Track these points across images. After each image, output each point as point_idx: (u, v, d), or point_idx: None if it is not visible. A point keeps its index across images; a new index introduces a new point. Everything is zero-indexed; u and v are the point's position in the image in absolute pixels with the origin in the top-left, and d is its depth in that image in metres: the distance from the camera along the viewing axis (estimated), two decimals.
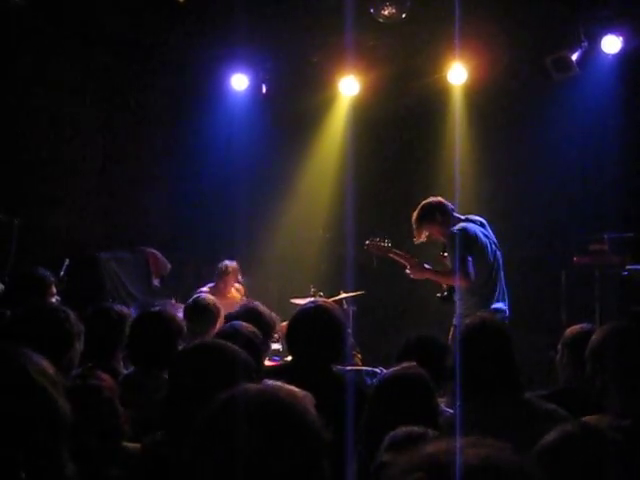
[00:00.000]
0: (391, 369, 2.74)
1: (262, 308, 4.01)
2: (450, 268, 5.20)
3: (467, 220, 5.32)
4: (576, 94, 6.71)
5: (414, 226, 5.35)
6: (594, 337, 2.69)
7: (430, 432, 2.18)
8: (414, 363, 2.69)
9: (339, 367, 3.30)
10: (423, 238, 5.37)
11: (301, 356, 3.18)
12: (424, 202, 5.40)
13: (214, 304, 4.42)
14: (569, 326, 3.51)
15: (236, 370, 2.29)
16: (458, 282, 5.12)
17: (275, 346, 6.33)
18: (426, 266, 5.35)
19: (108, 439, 2.41)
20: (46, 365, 1.87)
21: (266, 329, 3.80)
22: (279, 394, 1.37)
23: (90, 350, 3.27)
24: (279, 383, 1.71)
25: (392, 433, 2.21)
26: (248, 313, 3.84)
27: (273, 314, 4.10)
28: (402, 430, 2.20)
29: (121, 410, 2.55)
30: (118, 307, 3.68)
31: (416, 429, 2.18)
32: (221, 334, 3.15)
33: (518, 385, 2.62)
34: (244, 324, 3.23)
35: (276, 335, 6.38)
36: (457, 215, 5.34)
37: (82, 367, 3.30)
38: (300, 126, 8.17)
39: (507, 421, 2.39)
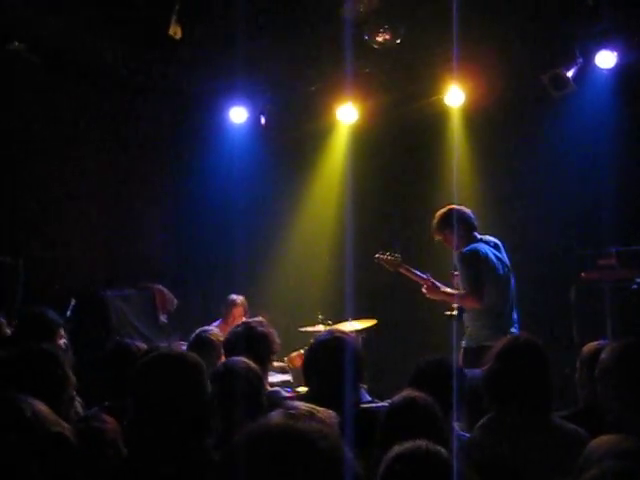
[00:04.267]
0: (395, 397, 2.70)
1: (259, 329, 3.96)
2: (460, 288, 5.17)
3: (481, 241, 5.31)
4: (574, 110, 6.72)
5: (434, 225, 5.35)
6: (603, 356, 2.65)
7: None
8: (411, 390, 2.64)
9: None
10: (438, 238, 5.39)
11: (318, 388, 3.11)
12: (453, 207, 5.37)
13: (216, 338, 4.43)
14: (581, 343, 3.48)
15: (201, 379, 2.28)
16: (471, 303, 5.10)
17: (285, 377, 6.27)
18: (441, 288, 5.32)
19: None
20: (44, 408, 1.85)
21: (264, 350, 3.79)
22: (305, 430, 1.33)
23: (110, 388, 3.25)
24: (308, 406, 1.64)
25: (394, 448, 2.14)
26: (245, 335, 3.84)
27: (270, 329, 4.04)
28: (405, 445, 2.15)
29: (124, 452, 2.52)
30: (137, 344, 3.66)
31: (418, 442, 2.13)
32: (216, 374, 3.09)
33: (549, 407, 2.59)
34: (239, 361, 3.17)
35: (285, 365, 6.37)
36: (475, 234, 5.33)
37: (100, 406, 3.28)
38: (300, 156, 8.20)
39: (537, 444, 2.35)
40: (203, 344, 4.29)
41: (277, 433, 1.31)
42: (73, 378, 2.85)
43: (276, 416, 1.37)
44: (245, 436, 1.32)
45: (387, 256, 5.66)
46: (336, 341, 3.16)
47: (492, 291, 5.11)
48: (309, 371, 3.19)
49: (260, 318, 4.17)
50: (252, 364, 3.07)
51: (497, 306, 5.14)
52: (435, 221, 5.35)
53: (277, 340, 3.96)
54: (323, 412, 1.43)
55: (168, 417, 2.20)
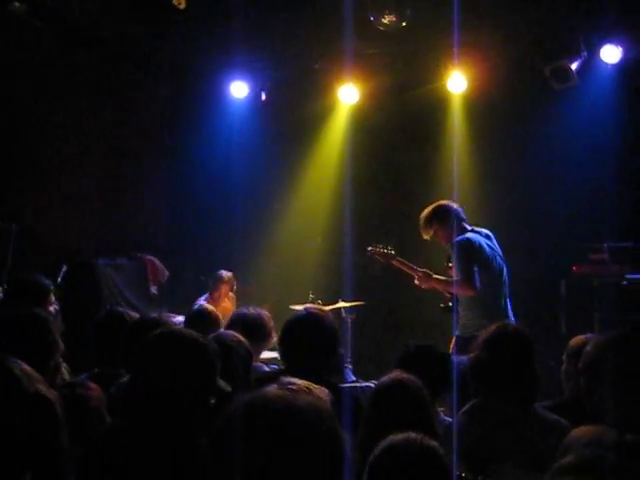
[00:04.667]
0: (383, 377, 2.71)
1: (253, 313, 3.99)
2: (455, 277, 5.18)
3: (472, 231, 5.32)
4: (576, 104, 6.71)
5: (422, 222, 5.33)
6: (587, 349, 2.67)
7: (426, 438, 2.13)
8: (400, 372, 2.66)
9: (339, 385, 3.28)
10: (427, 237, 5.37)
11: (293, 363, 3.15)
12: (440, 203, 5.38)
13: (214, 313, 4.46)
14: (568, 336, 3.50)
15: (207, 360, 2.25)
16: (464, 291, 5.10)
17: (273, 354, 6.30)
18: (434, 275, 5.33)
19: None
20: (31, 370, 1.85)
21: (259, 333, 3.80)
22: (299, 404, 1.31)
23: (100, 355, 3.26)
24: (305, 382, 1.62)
25: (388, 439, 2.15)
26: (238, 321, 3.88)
27: (265, 314, 4.07)
28: (399, 436, 2.16)
29: (109, 420, 2.52)
30: (129, 312, 3.66)
31: (413, 434, 2.13)
32: None
33: (533, 397, 2.61)
34: (229, 334, 3.20)
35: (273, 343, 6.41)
36: (465, 225, 5.34)
37: (89, 373, 3.29)
38: (299, 134, 8.17)
39: (519, 433, 2.37)
40: (202, 317, 4.31)
41: (276, 406, 1.29)
42: (61, 344, 2.83)
43: (273, 390, 1.35)
44: (242, 408, 1.30)
45: (380, 249, 5.64)
46: (310, 318, 3.21)
47: (486, 280, 5.13)
48: (282, 346, 3.23)
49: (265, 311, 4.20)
50: (242, 338, 3.09)
51: (491, 295, 5.16)
52: (423, 219, 5.34)
53: (274, 336, 3.99)
54: (318, 389, 1.43)
55: (170, 396, 2.13)
